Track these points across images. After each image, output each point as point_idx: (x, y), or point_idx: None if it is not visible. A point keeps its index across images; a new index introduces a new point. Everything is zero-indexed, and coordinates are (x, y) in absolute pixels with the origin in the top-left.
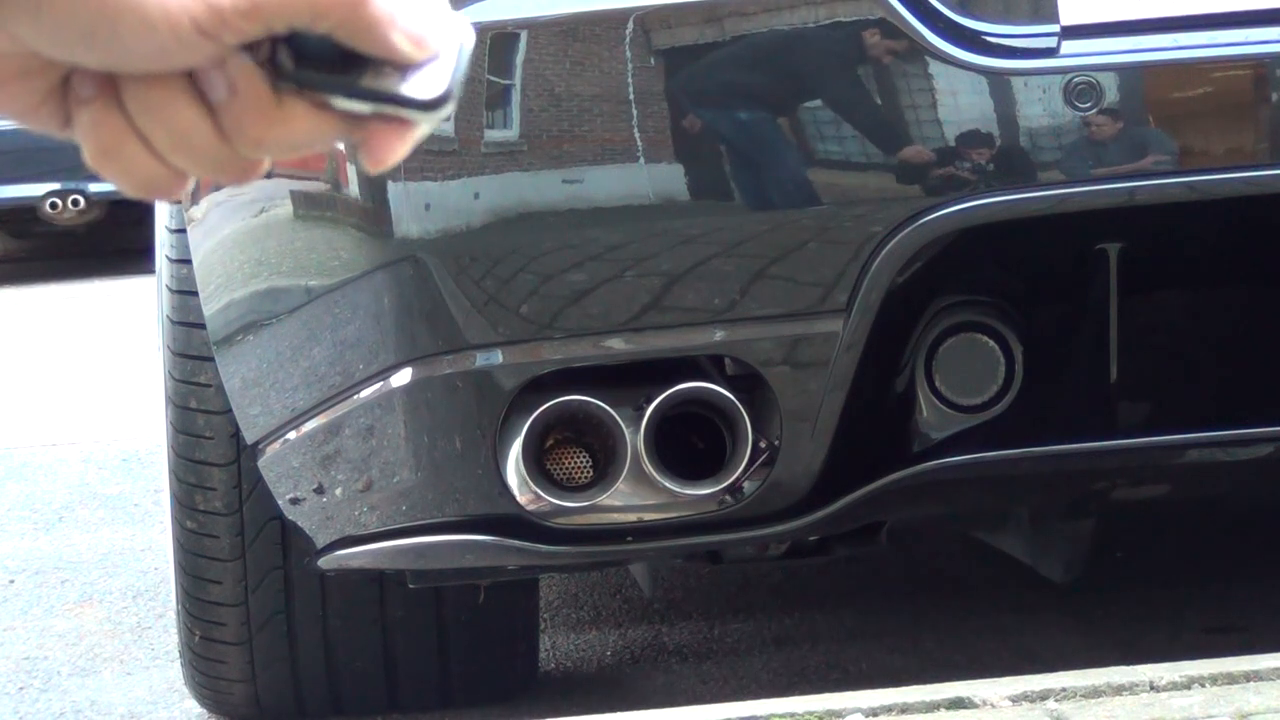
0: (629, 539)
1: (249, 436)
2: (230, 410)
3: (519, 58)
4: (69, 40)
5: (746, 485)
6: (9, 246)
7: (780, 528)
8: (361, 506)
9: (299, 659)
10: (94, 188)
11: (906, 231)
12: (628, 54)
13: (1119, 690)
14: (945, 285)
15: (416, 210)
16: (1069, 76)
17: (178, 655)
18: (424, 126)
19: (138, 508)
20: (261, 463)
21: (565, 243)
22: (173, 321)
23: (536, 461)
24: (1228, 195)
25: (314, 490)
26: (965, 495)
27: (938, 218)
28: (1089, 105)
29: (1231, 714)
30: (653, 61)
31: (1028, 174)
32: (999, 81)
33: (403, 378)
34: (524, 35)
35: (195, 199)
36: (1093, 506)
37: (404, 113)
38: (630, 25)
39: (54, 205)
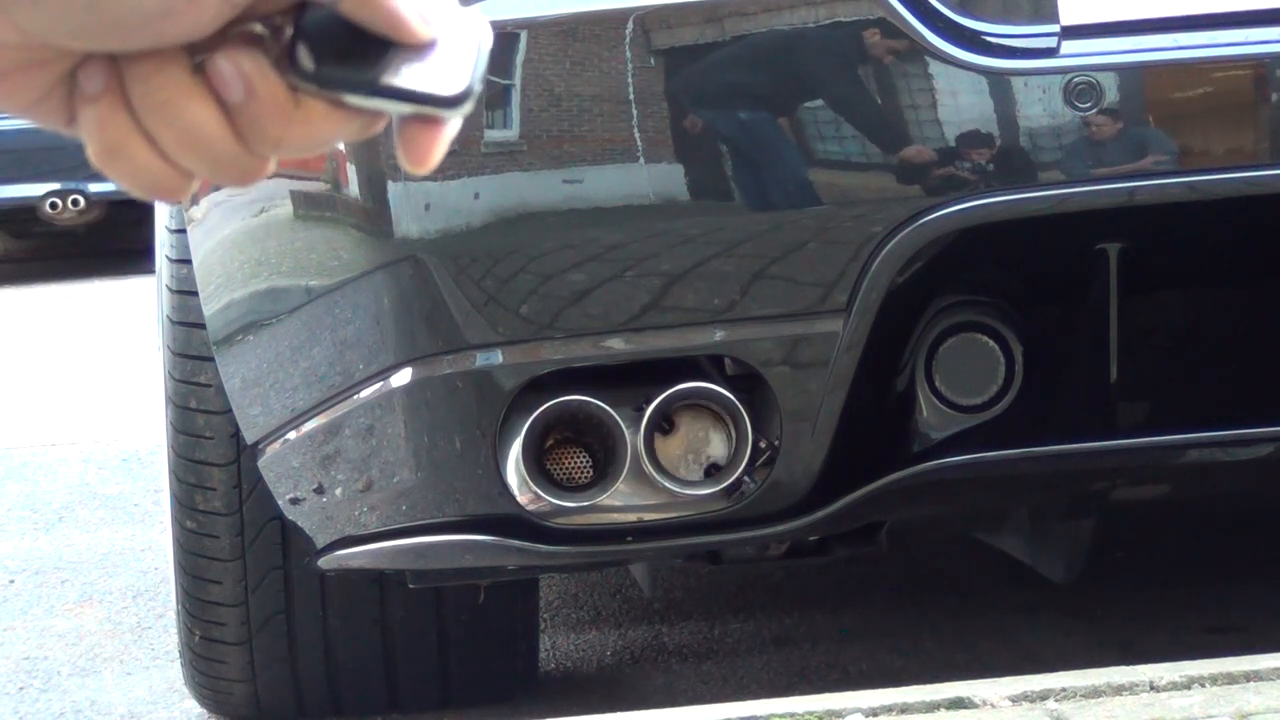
0: (629, 539)
1: (249, 436)
2: (230, 410)
3: (519, 58)
4: (72, 9)
5: (746, 485)
6: (9, 246)
7: (780, 528)
8: (361, 506)
9: (299, 659)
10: (94, 188)
11: (906, 231)
12: (628, 54)
13: (1119, 690)
14: (945, 285)
15: (416, 210)
16: (1069, 76)
17: (178, 655)
18: (454, 123)
19: (138, 508)
20: (261, 463)
21: (565, 243)
22: (173, 321)
23: (536, 461)
24: (1228, 195)
25: (314, 490)
26: (965, 495)
27: (938, 218)
28: (1089, 105)
29: (1231, 714)
30: (653, 61)
31: (1028, 174)
32: (999, 81)
33: (403, 378)
34: (524, 35)
35: (195, 199)
36: (1093, 506)
37: (425, 110)
38: (630, 25)
39: (54, 205)
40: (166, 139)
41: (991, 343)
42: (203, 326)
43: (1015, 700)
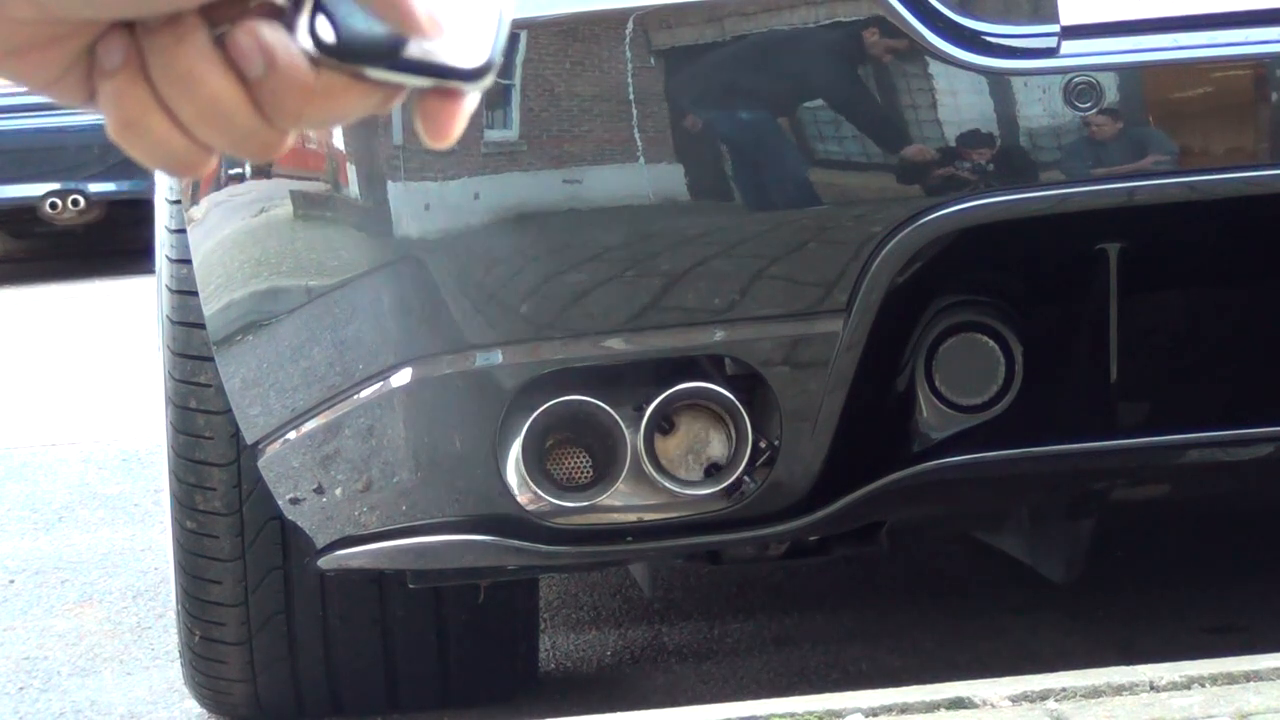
0: (629, 539)
1: (249, 436)
2: (230, 410)
3: (519, 58)
4: None
5: (746, 485)
6: (9, 246)
7: (780, 528)
8: (361, 506)
9: (299, 659)
10: (94, 188)
11: (906, 231)
12: (628, 54)
13: (1119, 690)
14: (945, 285)
15: (416, 210)
16: (1069, 76)
17: (178, 655)
18: (473, 97)
19: (138, 508)
20: (261, 463)
21: (565, 243)
22: (173, 321)
23: (536, 461)
24: (1228, 195)
25: (314, 490)
26: (965, 495)
27: (938, 218)
28: (1089, 105)
29: (1231, 714)
30: (653, 61)
31: (1028, 174)
32: (999, 81)
33: (403, 378)
34: (524, 35)
35: (195, 199)
36: (1093, 506)
37: (446, 83)
38: (630, 25)
39: (54, 205)
40: (186, 112)
41: (991, 343)
42: (203, 326)
43: (1015, 700)
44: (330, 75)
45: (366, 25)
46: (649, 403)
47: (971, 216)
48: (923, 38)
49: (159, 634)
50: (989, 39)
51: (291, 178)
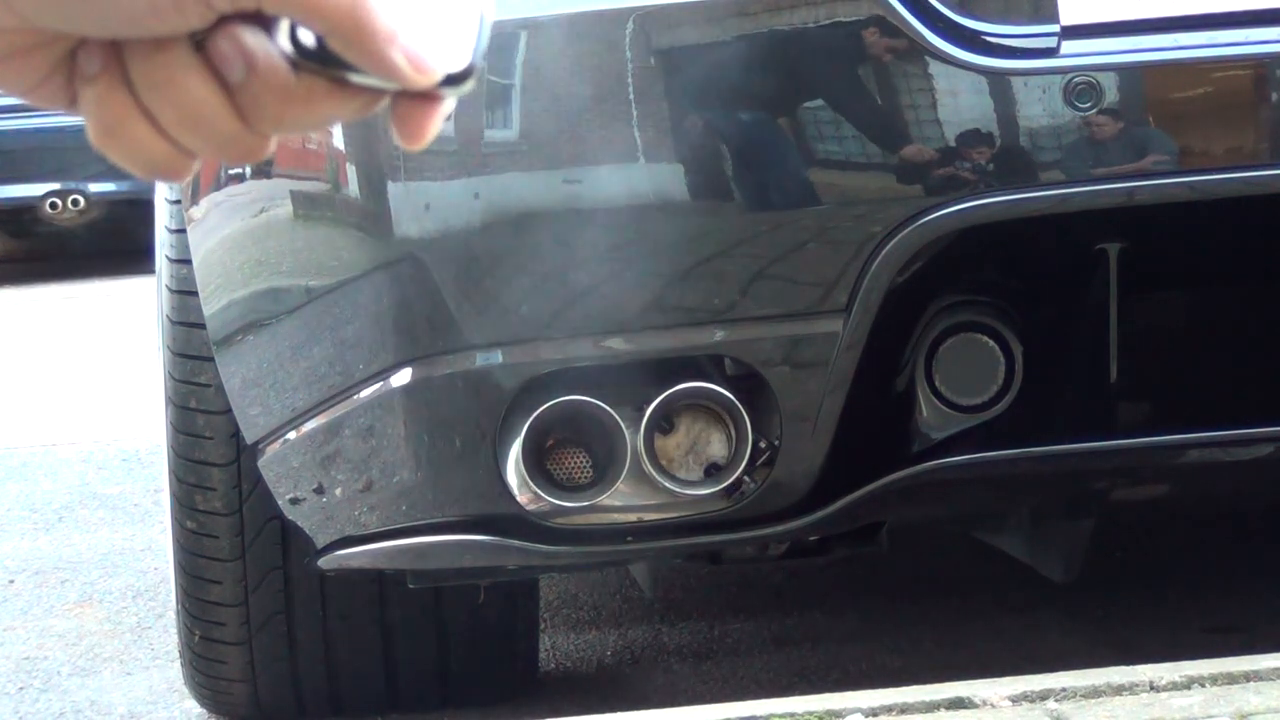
0: (629, 539)
1: (249, 436)
2: (230, 410)
3: (519, 58)
4: (66, 1)
5: (746, 485)
6: (9, 246)
7: (780, 528)
8: (361, 506)
9: (299, 659)
10: (94, 188)
11: (906, 231)
12: (628, 54)
13: (1119, 690)
14: (945, 285)
15: (416, 210)
16: (1069, 76)
17: (178, 655)
18: (450, 101)
19: (138, 508)
20: (261, 463)
21: (565, 243)
22: (173, 321)
23: (536, 461)
24: (1228, 195)
25: (314, 490)
26: (965, 495)
27: (938, 218)
28: (1089, 105)
29: (1231, 714)
30: (653, 61)
31: (1028, 174)
32: (999, 81)
33: (403, 378)
34: (524, 35)
35: (195, 199)
36: (1093, 506)
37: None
38: (630, 25)
39: (54, 205)
40: (167, 117)
41: (991, 343)
42: (203, 326)
43: (1015, 700)
44: (311, 80)
45: None
46: (649, 403)
47: (971, 216)
48: (923, 38)
49: (159, 634)
50: (989, 39)
51: (291, 178)
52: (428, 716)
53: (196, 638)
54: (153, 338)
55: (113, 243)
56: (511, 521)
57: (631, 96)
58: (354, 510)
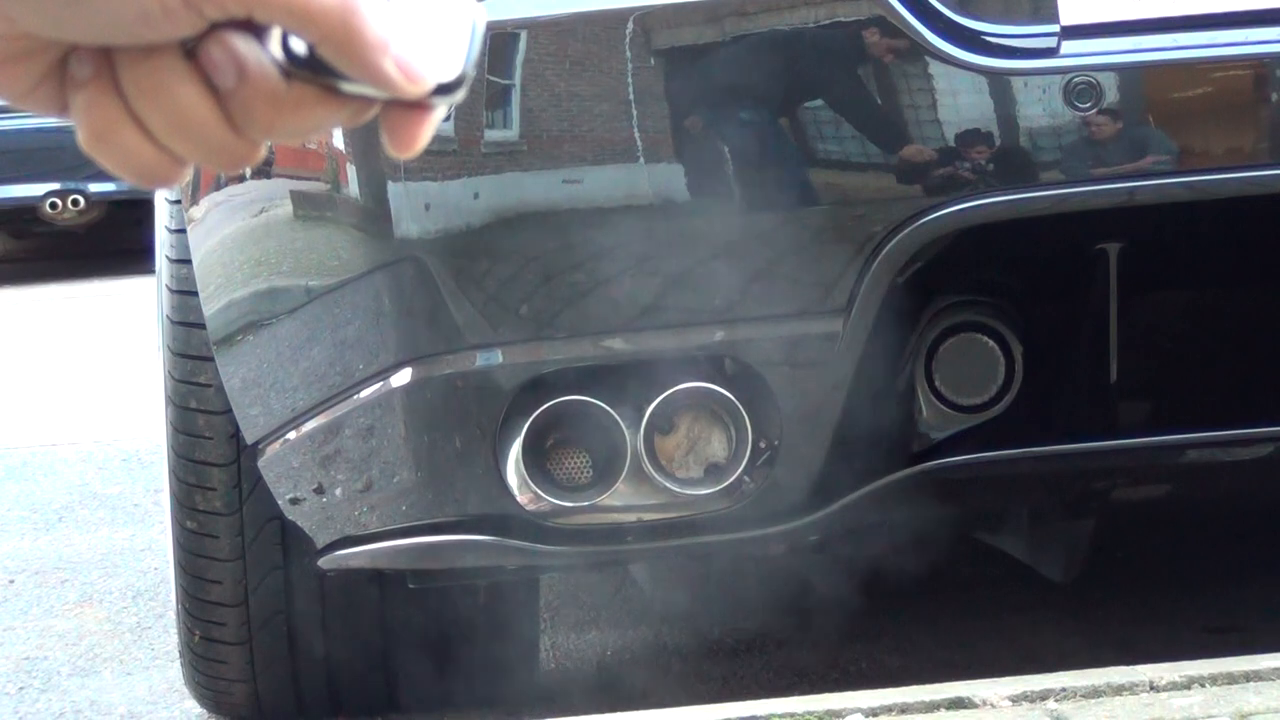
0: (629, 539)
1: (249, 436)
2: (230, 410)
3: (519, 58)
4: (56, 6)
5: (746, 485)
6: (9, 246)
7: (780, 528)
8: (361, 506)
9: (299, 659)
10: (94, 188)
11: (906, 231)
12: (628, 54)
13: (1119, 690)
14: (945, 285)
15: (416, 210)
16: (1069, 76)
17: (178, 655)
18: (441, 109)
19: (138, 508)
20: (261, 463)
21: (565, 243)
22: (173, 321)
23: (536, 461)
24: (1228, 195)
25: (314, 490)
26: (965, 495)
27: (938, 218)
28: (1089, 105)
29: (1231, 714)
30: (653, 61)
31: (1028, 174)
32: (999, 81)
33: (403, 378)
34: (524, 35)
35: (195, 199)
36: (1093, 506)
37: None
38: (630, 25)
39: (54, 205)
40: (157, 124)
41: (991, 343)
42: (203, 326)
43: (1015, 700)
44: (302, 87)
45: None
46: (649, 403)
47: (971, 216)
48: (923, 38)
49: (159, 634)
50: (989, 39)
51: (291, 178)
52: (428, 716)
53: (196, 638)
54: (153, 338)
55: (113, 243)
56: (511, 521)
57: (631, 96)
58: (354, 510)
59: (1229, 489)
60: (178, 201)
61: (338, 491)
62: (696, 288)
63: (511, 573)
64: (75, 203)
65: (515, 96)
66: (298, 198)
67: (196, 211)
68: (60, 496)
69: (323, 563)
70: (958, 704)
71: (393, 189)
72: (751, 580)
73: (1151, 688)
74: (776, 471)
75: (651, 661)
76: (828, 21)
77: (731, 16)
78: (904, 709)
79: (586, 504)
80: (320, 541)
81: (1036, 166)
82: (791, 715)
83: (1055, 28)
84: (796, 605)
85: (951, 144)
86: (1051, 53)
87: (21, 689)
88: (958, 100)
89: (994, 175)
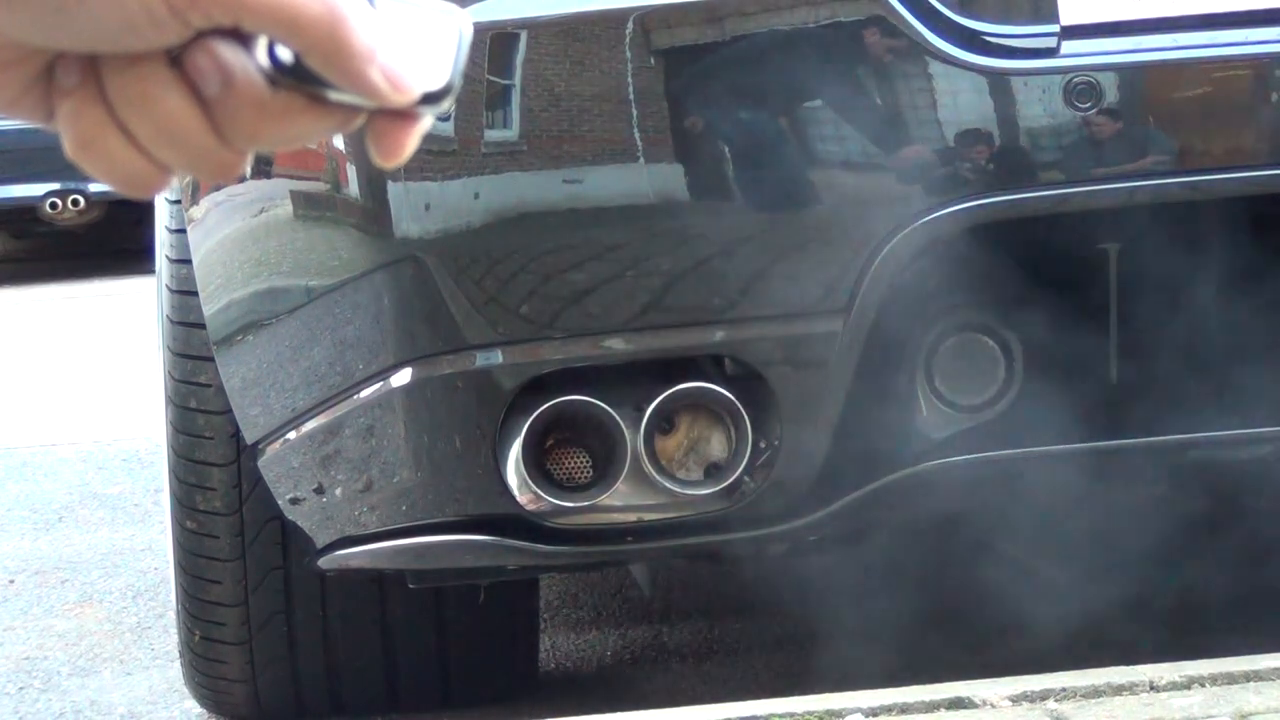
0: (629, 539)
1: (249, 436)
2: (230, 410)
3: (519, 58)
4: (41, 13)
5: (746, 485)
6: (9, 246)
7: (780, 528)
8: (361, 506)
9: (299, 659)
10: (94, 188)
11: (906, 231)
12: (628, 54)
13: (1119, 690)
14: (945, 285)
15: (416, 210)
16: (1069, 76)
17: (178, 655)
18: (427, 119)
19: (138, 508)
20: (261, 463)
21: (565, 243)
22: (173, 321)
23: (536, 461)
24: (1228, 195)
25: (314, 490)
26: (965, 495)
27: (938, 218)
28: (1089, 105)
29: (1231, 714)
30: (653, 61)
31: (1028, 174)
32: (999, 81)
33: (403, 378)
34: (524, 35)
35: (195, 199)
36: (1092, 506)
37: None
38: (630, 25)
39: (54, 205)
40: (142, 132)
41: (991, 343)
42: (203, 326)
43: (1015, 700)
44: (288, 96)
45: None
46: (649, 403)
47: (971, 216)
48: (923, 38)
49: (159, 634)
50: (989, 39)
51: (291, 178)
52: (428, 716)
53: (196, 638)
54: (153, 338)
55: (113, 243)
56: (511, 521)
57: (631, 96)
58: (354, 510)
59: (1229, 489)
60: (178, 201)
61: (338, 491)
62: (696, 288)
63: (511, 573)
64: (75, 203)
65: (515, 96)
66: (298, 198)
67: (196, 211)
68: (60, 496)
69: (323, 563)
70: (958, 704)
71: (393, 189)
72: (752, 580)
73: (1151, 688)
74: (776, 471)
75: (651, 661)
76: (828, 21)
77: (731, 16)
78: (904, 709)
79: (586, 504)
80: (320, 541)
81: (1036, 166)
82: (791, 715)
83: (1055, 28)
84: (797, 605)
85: (951, 144)
86: (1051, 53)
87: (21, 689)
88: (958, 100)
89: (994, 175)
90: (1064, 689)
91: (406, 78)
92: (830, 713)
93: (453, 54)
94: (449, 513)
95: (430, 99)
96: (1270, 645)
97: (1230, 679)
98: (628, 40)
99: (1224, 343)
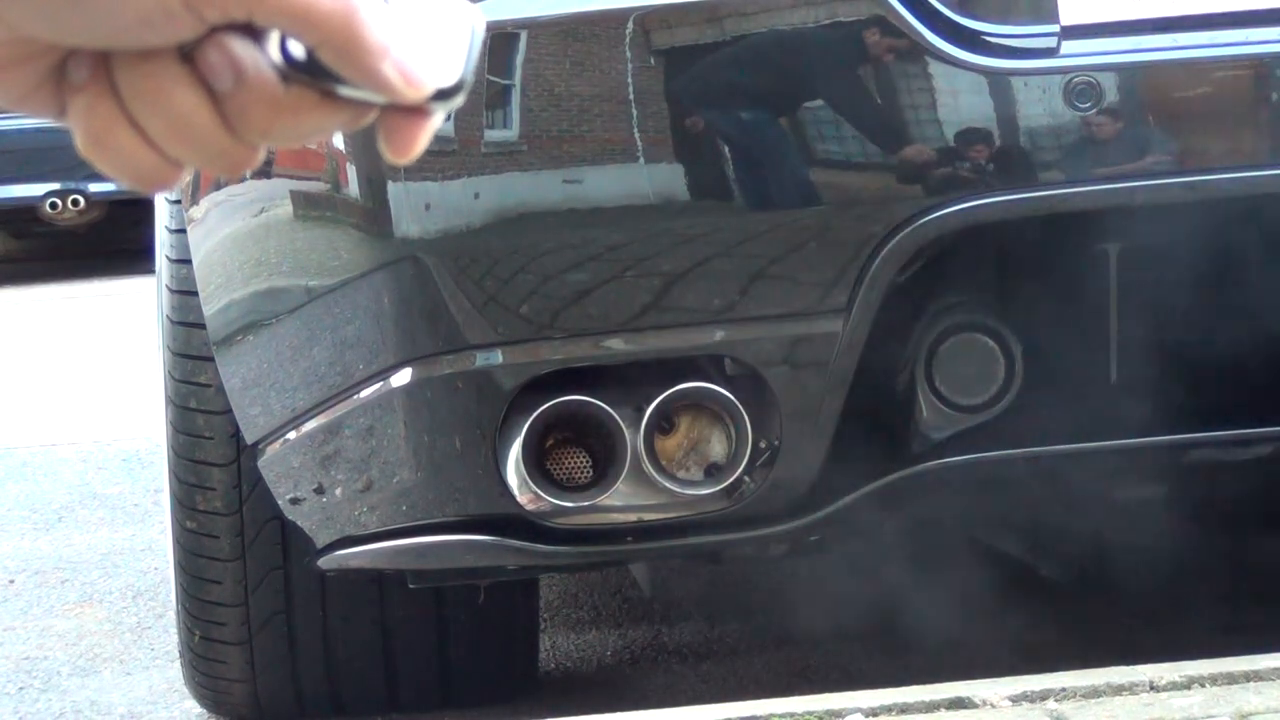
0: (629, 539)
1: (249, 436)
2: (230, 410)
3: (519, 58)
4: (55, 8)
5: (746, 485)
6: (9, 246)
7: (780, 528)
8: (361, 506)
9: (299, 659)
10: (94, 188)
11: (906, 231)
12: (628, 54)
13: (1119, 690)
14: (945, 285)
15: (416, 210)
16: (1069, 76)
17: (178, 655)
18: (439, 115)
19: (138, 508)
20: (261, 463)
21: (565, 243)
22: (173, 321)
23: (536, 461)
24: (1228, 195)
25: (314, 490)
26: (965, 495)
27: (938, 218)
28: (1089, 105)
29: (1231, 714)
30: (653, 61)
31: (1028, 174)
32: (999, 81)
33: (403, 378)
34: (524, 35)
35: (195, 199)
36: (1093, 506)
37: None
38: (630, 25)
39: (54, 205)
40: (154, 127)
41: (991, 343)
42: (203, 326)
43: (1015, 700)
44: (300, 91)
45: None
46: (649, 403)
47: (971, 216)
48: (923, 38)
49: (159, 634)
50: (989, 39)
51: (291, 178)
52: (428, 716)
53: (196, 638)
54: (153, 338)
55: (113, 243)
56: (511, 521)
57: (631, 96)
58: (354, 510)
59: (1229, 489)
60: (178, 201)
61: (338, 491)
62: (696, 288)
63: (511, 573)
64: (75, 203)
65: (515, 96)
66: (298, 198)
67: (196, 211)
68: (60, 496)
69: (323, 563)
70: (958, 704)
71: (393, 189)
72: (753, 580)
73: (1151, 688)
74: (776, 471)
75: (651, 661)
76: (828, 21)
77: (731, 16)
78: (904, 709)
79: (586, 504)
80: (320, 541)
81: (1036, 166)
82: (791, 715)
83: (1055, 28)
84: (797, 605)
85: (951, 144)
86: (1051, 53)
87: (21, 689)
88: (958, 100)
89: (994, 175)
90: (1064, 689)
91: (419, 73)
92: (830, 713)
93: (465, 50)
94: (449, 513)
95: (443, 95)
96: (1270, 645)
97: (1230, 679)
98: (628, 40)
99: (1224, 342)
